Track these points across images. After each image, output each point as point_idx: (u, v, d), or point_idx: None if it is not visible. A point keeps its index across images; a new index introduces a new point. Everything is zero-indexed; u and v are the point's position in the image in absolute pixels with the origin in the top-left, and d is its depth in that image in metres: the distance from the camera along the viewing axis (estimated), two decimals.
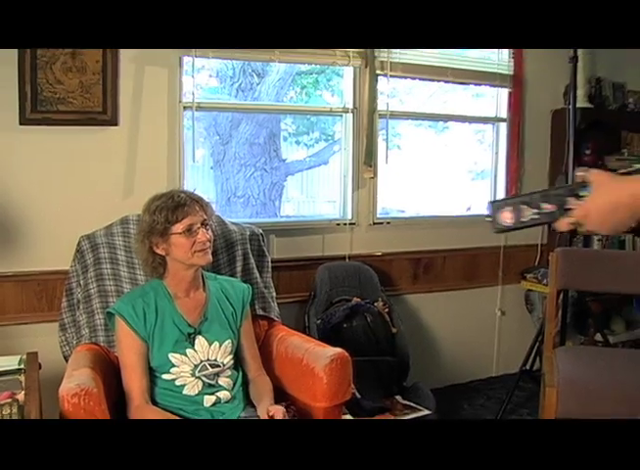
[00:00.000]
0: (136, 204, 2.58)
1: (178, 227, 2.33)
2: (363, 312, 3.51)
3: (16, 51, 2.90)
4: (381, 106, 3.80)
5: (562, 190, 1.33)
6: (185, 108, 3.30)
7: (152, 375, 2.33)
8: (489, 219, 1.37)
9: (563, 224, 1.32)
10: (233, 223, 3.01)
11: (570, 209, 1.31)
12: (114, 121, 3.12)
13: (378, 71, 3.72)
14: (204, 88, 4.09)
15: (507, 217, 1.35)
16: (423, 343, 4.08)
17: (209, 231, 2.41)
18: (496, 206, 1.37)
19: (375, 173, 3.82)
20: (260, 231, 3.07)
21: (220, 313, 2.47)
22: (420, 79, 4.01)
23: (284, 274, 3.54)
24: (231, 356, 2.44)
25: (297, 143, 4.58)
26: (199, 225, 2.36)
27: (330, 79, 4.35)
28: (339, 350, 2.50)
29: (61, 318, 2.77)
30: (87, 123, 3.07)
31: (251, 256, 2.96)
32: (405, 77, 3.94)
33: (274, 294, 3.01)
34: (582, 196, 1.30)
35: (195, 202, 2.39)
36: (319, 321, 3.45)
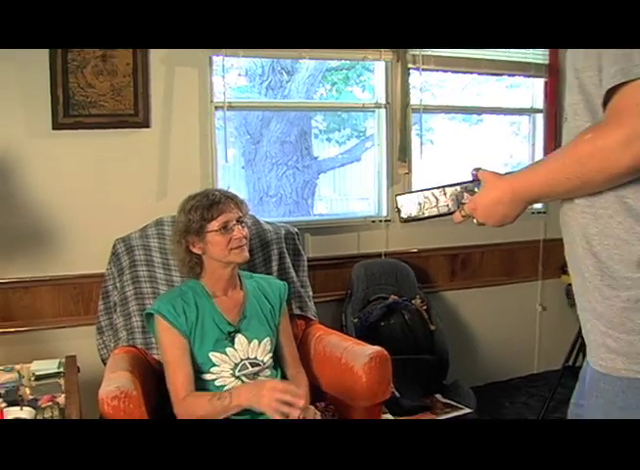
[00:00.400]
0: (170, 205, 2.62)
1: (214, 225, 2.36)
2: (401, 310, 3.51)
3: (47, 56, 2.96)
4: (413, 100, 3.79)
5: (458, 186, 1.51)
6: (216, 108, 3.34)
7: None
8: (396, 210, 1.53)
9: (457, 217, 1.49)
10: (267, 223, 3.03)
11: (464, 203, 1.48)
12: (145, 123, 3.16)
13: (410, 65, 3.71)
14: (233, 87, 4.11)
15: (412, 209, 1.52)
16: (462, 340, 4.07)
17: (245, 228, 2.44)
18: (402, 198, 1.53)
19: (409, 169, 3.82)
20: (296, 230, 3.09)
21: (259, 311, 2.49)
22: (453, 72, 4.00)
23: (320, 273, 3.56)
24: (270, 355, 2.45)
25: (329, 140, 4.58)
26: (234, 222, 2.39)
27: (360, 75, 4.35)
28: (377, 348, 2.50)
29: (98, 321, 2.80)
30: (119, 126, 3.12)
31: (286, 255, 2.98)
32: (438, 70, 3.93)
33: (311, 293, 3.02)
34: (474, 192, 1.47)
35: (229, 199, 2.42)
36: (356, 320, 3.46)
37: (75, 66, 3.00)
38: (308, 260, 3.13)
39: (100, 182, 3.13)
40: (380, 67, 3.81)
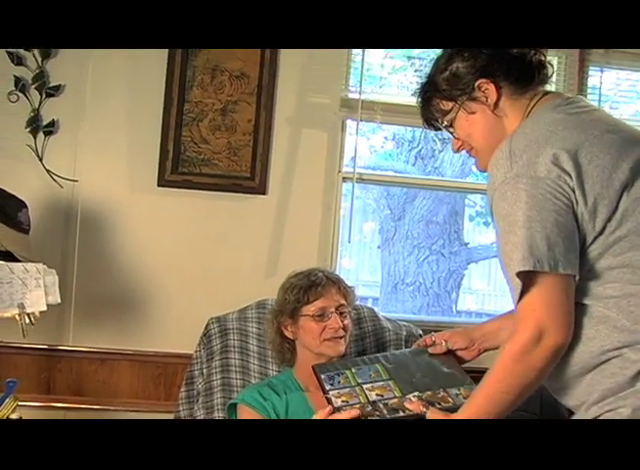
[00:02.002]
0: (278, 286, 2.59)
1: (309, 309, 2.38)
2: None
3: (161, 106, 3.08)
4: None
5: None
6: (344, 179, 3.33)
7: None
8: None
9: None
10: (388, 320, 2.96)
11: None
12: (261, 189, 3.19)
13: None
14: (378, 152, 4.12)
15: None
16: None
17: (347, 319, 2.42)
18: None
19: None
20: (420, 332, 2.99)
21: None
22: None
23: None
24: None
25: (486, 224, 4.48)
26: (332, 310, 2.39)
27: None
28: None
29: (177, 411, 2.80)
30: (232, 190, 3.16)
31: None
32: None
33: None
34: None
35: (332, 283, 2.43)
36: None
37: (191, 118, 3.09)
38: None
39: (202, 250, 3.17)
40: None
